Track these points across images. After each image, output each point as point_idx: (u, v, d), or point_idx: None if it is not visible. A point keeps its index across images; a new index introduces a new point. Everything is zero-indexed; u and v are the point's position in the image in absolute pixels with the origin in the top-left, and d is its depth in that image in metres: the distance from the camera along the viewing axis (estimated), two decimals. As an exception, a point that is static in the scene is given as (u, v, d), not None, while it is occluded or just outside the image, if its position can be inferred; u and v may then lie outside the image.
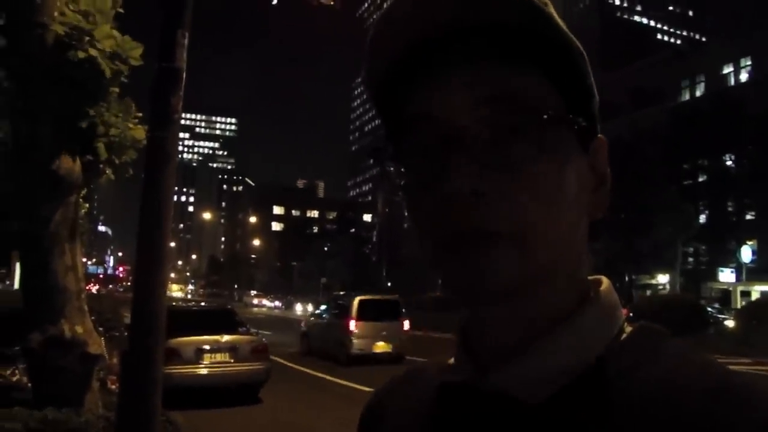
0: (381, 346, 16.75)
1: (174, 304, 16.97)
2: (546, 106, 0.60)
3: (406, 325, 17.95)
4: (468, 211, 0.58)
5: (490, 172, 0.58)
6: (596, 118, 0.67)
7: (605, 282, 0.67)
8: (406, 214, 0.65)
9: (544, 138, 0.59)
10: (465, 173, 0.57)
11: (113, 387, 7.33)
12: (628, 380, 0.58)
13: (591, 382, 0.59)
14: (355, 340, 16.57)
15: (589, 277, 0.68)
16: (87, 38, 4.93)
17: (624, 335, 0.64)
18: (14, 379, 7.73)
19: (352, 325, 16.75)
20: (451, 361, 0.72)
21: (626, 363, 0.59)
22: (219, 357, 11.18)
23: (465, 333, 0.68)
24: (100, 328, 8.75)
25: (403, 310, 18.41)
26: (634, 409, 0.56)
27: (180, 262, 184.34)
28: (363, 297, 18.11)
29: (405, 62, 0.64)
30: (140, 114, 5.49)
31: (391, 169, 0.66)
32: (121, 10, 5.24)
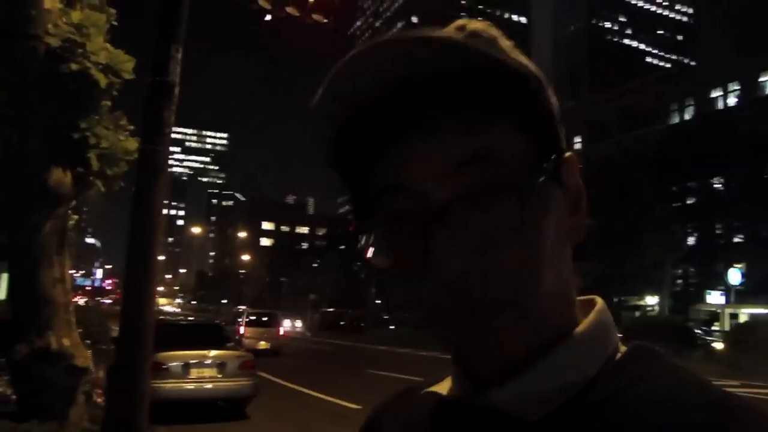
0: (263, 345, 24.68)
1: (162, 318, 16.85)
2: (519, 158, 0.58)
3: (281, 330, 28.31)
4: (458, 289, 0.57)
5: (476, 246, 0.57)
6: (563, 139, 0.65)
7: (599, 302, 0.67)
8: (383, 288, 0.62)
9: (525, 197, 0.57)
10: (453, 254, 0.56)
11: (99, 400, 7.27)
12: (624, 399, 0.58)
13: (586, 402, 0.59)
14: (244, 340, 24.08)
15: (584, 297, 0.68)
16: (80, 51, 4.94)
17: (619, 355, 0.64)
18: (-2, 391, 7.65)
19: (242, 329, 25.77)
20: (448, 379, 0.71)
21: (621, 382, 0.60)
22: (206, 372, 11.10)
23: (459, 354, 0.67)
24: (87, 341, 8.69)
25: (282, 320, 29.86)
26: (630, 428, 0.55)
27: (169, 276, 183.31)
28: (251, 310, 29.47)
29: (359, 129, 0.61)
30: (132, 127, 5.50)
31: (368, 243, 0.63)
32: (115, 23, 5.26)
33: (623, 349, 0.65)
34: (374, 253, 0.62)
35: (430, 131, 0.58)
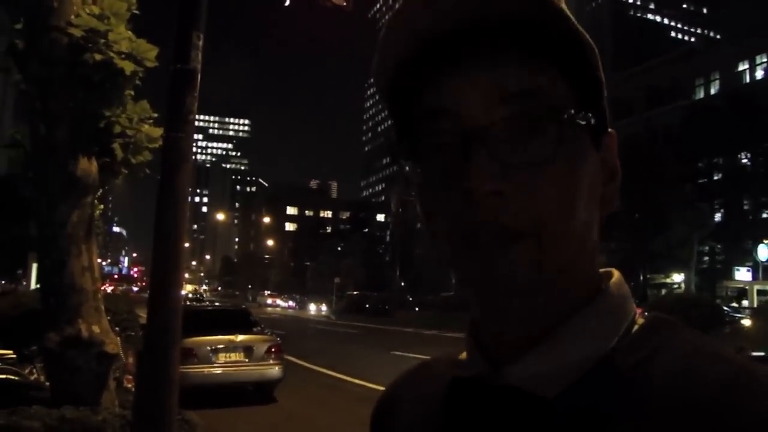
0: None
1: (189, 303, 17.02)
2: (564, 104, 0.60)
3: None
4: (488, 210, 0.58)
5: (510, 171, 0.58)
6: (606, 112, 0.67)
7: (616, 274, 0.67)
8: (419, 211, 0.64)
9: (563, 136, 0.59)
10: (486, 173, 0.57)
11: (129, 386, 7.38)
12: (642, 372, 0.58)
13: (604, 375, 0.59)
14: None
15: (600, 270, 0.68)
16: (103, 40, 4.97)
17: (636, 327, 0.64)
18: (32, 378, 7.81)
19: None
20: (463, 355, 0.71)
21: (639, 355, 0.59)
22: (234, 356, 11.23)
23: (476, 327, 0.68)
24: (116, 328, 8.83)
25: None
26: (648, 400, 0.56)
27: (194, 263, 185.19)
28: None
29: (419, 57, 0.63)
30: (155, 115, 5.53)
31: (407, 167, 0.65)
32: (136, 12, 5.28)
33: (640, 321, 0.65)
34: (412, 171, 0.64)
35: (486, 66, 0.60)
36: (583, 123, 0.61)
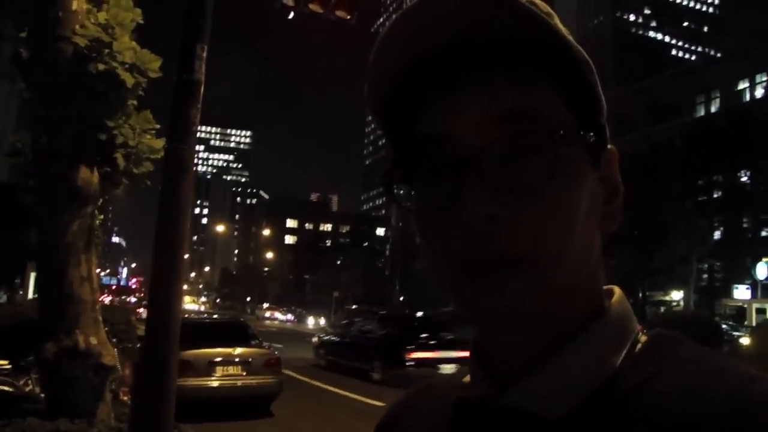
0: None
1: (187, 316, 17.00)
2: (559, 124, 0.59)
3: None
4: (484, 237, 0.57)
5: (505, 195, 0.57)
6: (605, 129, 0.65)
7: (617, 292, 0.67)
8: (418, 237, 0.63)
9: (559, 157, 0.58)
10: (480, 198, 0.56)
11: (125, 398, 7.34)
12: (646, 392, 0.57)
13: (609, 396, 0.58)
14: None
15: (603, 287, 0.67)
16: (107, 50, 4.97)
17: (639, 345, 0.63)
18: (27, 389, 7.74)
19: None
20: (467, 377, 0.70)
21: (643, 374, 0.59)
22: (231, 369, 11.18)
23: (478, 348, 0.68)
24: (114, 339, 8.78)
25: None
26: (654, 420, 0.55)
27: (193, 274, 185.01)
28: None
29: (412, 80, 0.62)
30: (157, 126, 5.53)
31: (401, 192, 0.64)
32: (141, 22, 5.29)
33: (643, 338, 0.64)
34: (408, 198, 0.64)
35: (480, 87, 0.59)
36: (581, 142, 0.60)
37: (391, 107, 0.65)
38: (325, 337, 20.79)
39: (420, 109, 0.62)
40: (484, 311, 0.59)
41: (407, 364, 14.93)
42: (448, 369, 13.60)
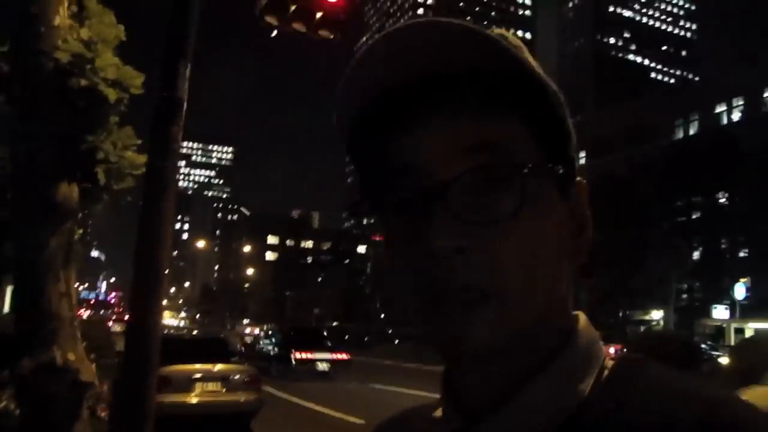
0: None
1: (166, 332, 16.85)
2: (526, 155, 0.59)
3: None
4: (450, 269, 0.57)
5: (471, 228, 0.57)
6: (574, 161, 0.65)
7: (582, 319, 0.66)
8: (383, 267, 0.64)
9: (526, 190, 0.57)
10: (447, 230, 0.56)
11: (103, 415, 7.26)
12: (616, 419, 0.57)
13: (579, 425, 0.58)
14: None
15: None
16: (89, 66, 4.97)
17: (606, 371, 0.63)
18: (1, 405, 7.64)
19: None
20: (439, 410, 0.70)
21: (611, 401, 0.58)
22: (211, 386, 11.08)
23: (449, 383, 0.67)
24: (92, 355, 8.68)
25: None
26: None
27: (173, 290, 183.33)
28: None
29: (379, 111, 0.62)
30: (139, 141, 5.51)
31: (370, 222, 0.65)
32: (123, 38, 5.29)
33: (610, 363, 0.64)
34: (377, 231, 0.64)
35: (446, 118, 0.59)
36: (549, 175, 0.60)
37: (358, 137, 0.65)
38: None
39: (387, 140, 0.62)
40: (448, 344, 0.59)
41: (293, 362, 21.63)
42: (321, 365, 21.89)
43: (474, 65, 0.58)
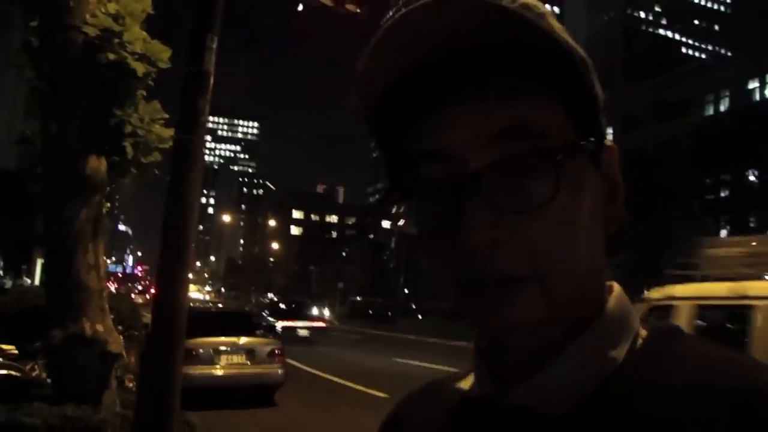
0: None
1: (192, 305, 17.08)
2: (558, 134, 0.58)
3: None
4: (488, 259, 0.56)
5: (507, 216, 0.56)
6: (604, 128, 0.64)
7: (616, 289, 0.66)
8: (420, 253, 0.62)
9: (560, 175, 0.56)
10: (482, 222, 0.55)
11: (131, 385, 7.39)
12: (649, 388, 0.57)
13: (611, 393, 0.58)
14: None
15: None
16: (117, 40, 4.99)
17: (640, 340, 0.62)
18: (34, 374, 7.80)
19: None
20: (471, 376, 0.70)
21: (644, 369, 0.59)
22: (236, 359, 11.22)
23: (482, 350, 0.67)
24: (119, 327, 8.82)
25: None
26: (656, 417, 0.55)
27: (198, 264, 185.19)
28: None
29: (402, 94, 0.61)
30: (166, 116, 5.55)
31: (402, 210, 0.63)
32: (151, 12, 5.30)
33: (644, 333, 0.63)
34: (407, 220, 0.63)
35: (472, 100, 0.58)
36: (582, 152, 0.59)
37: (383, 121, 0.64)
38: None
39: (413, 124, 0.61)
40: (489, 325, 0.60)
41: (278, 330, 24.15)
42: (302, 332, 25.80)
43: (497, 40, 0.57)
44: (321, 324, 29.78)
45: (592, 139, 0.61)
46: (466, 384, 0.70)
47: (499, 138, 0.57)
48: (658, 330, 0.64)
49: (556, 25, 0.59)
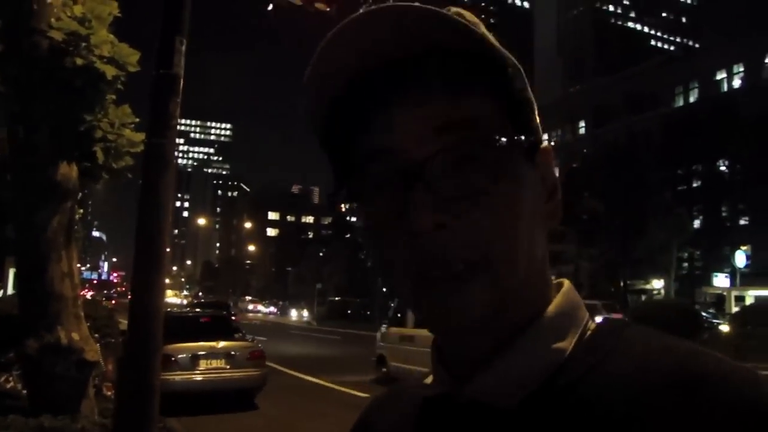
0: None
1: (169, 310, 16.94)
2: (496, 129, 0.61)
3: None
4: (433, 246, 0.58)
5: (452, 204, 0.59)
6: (539, 129, 0.68)
7: (566, 284, 0.69)
8: (369, 252, 0.65)
9: (499, 163, 0.60)
10: (426, 208, 0.58)
11: (109, 393, 7.31)
12: (596, 377, 0.59)
13: (561, 383, 0.60)
14: None
15: (554, 281, 0.69)
16: (84, 44, 4.92)
17: (588, 333, 0.65)
18: (9, 386, 7.68)
19: None
20: (430, 378, 0.73)
21: (591, 360, 0.61)
22: (215, 363, 11.16)
23: (439, 348, 0.70)
24: (96, 334, 8.72)
25: None
26: (603, 403, 0.57)
27: (175, 268, 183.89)
28: None
29: (349, 99, 0.63)
30: (137, 119, 5.49)
31: (350, 208, 0.66)
32: (118, 15, 5.23)
33: (592, 326, 0.67)
34: (358, 215, 0.65)
35: (416, 102, 0.60)
36: (518, 146, 0.62)
37: (330, 126, 0.66)
38: None
39: (360, 127, 0.63)
40: (438, 320, 0.61)
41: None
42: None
43: (436, 46, 0.60)
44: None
45: (527, 136, 0.64)
46: (425, 386, 0.73)
47: (442, 131, 0.60)
48: (605, 322, 0.67)
49: (488, 34, 0.63)
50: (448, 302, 0.59)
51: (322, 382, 14.58)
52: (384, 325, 15.53)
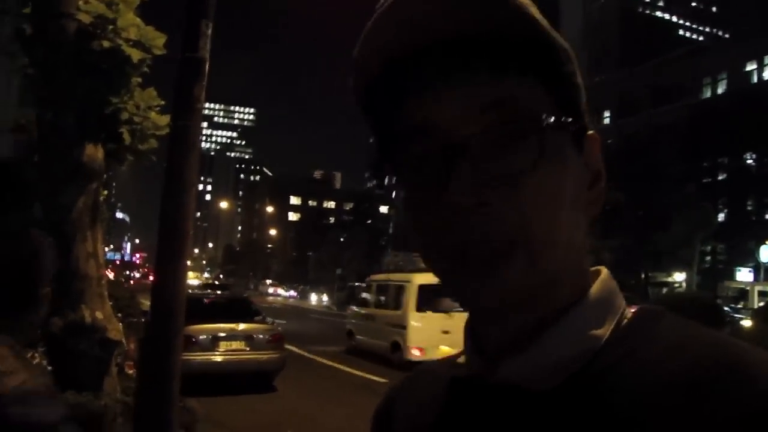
0: None
1: (191, 291, 17.10)
2: (542, 111, 0.61)
3: None
4: (473, 223, 0.59)
5: (492, 182, 0.59)
6: (586, 116, 0.67)
7: (604, 272, 0.68)
8: (408, 228, 0.65)
9: (543, 143, 0.59)
10: (468, 185, 0.58)
11: (131, 372, 7.40)
12: (633, 363, 0.59)
13: (597, 369, 0.60)
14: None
15: (591, 269, 0.69)
16: (111, 27, 4.96)
17: (625, 321, 0.65)
18: (35, 362, 7.82)
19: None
20: (461, 358, 0.73)
21: (629, 345, 0.61)
22: (235, 345, 11.26)
23: (472, 328, 0.69)
24: (119, 314, 8.83)
25: None
26: (636, 391, 0.57)
27: (196, 250, 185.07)
28: None
29: (394, 75, 0.63)
30: (162, 102, 5.53)
31: (390, 183, 0.67)
32: (144, -1, 5.27)
33: (629, 314, 0.66)
34: (397, 190, 0.65)
35: (464, 78, 0.60)
36: (564, 128, 0.62)
37: (376, 101, 0.67)
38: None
39: (404, 102, 0.63)
40: (475, 299, 0.62)
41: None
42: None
43: (487, 27, 0.60)
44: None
45: (573, 120, 0.64)
46: (456, 366, 0.73)
47: (489, 110, 0.60)
48: (643, 310, 0.66)
49: (539, 15, 0.62)
50: (485, 281, 0.59)
51: (340, 366, 14.65)
52: (353, 306, 19.20)
